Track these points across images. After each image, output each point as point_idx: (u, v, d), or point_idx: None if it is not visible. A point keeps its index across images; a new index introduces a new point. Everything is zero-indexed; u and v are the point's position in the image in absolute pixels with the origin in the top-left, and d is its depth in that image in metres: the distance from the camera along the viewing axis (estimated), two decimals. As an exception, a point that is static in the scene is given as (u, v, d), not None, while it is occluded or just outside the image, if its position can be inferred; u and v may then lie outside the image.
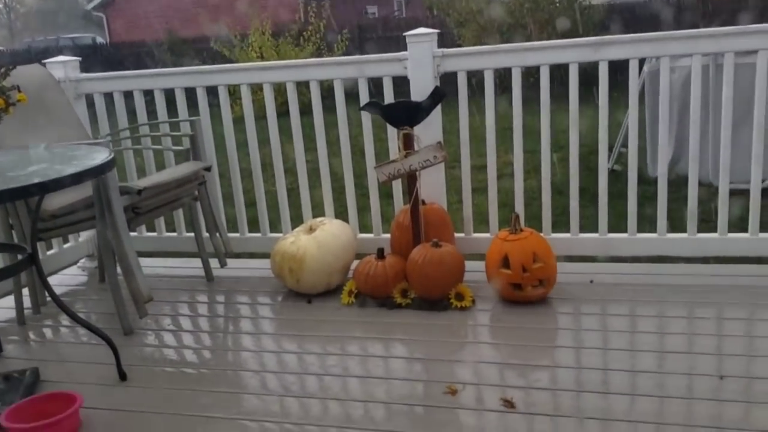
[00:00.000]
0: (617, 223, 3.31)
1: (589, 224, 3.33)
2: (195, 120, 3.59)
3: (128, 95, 3.80)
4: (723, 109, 3.10)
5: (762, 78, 3.01)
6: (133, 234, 3.65)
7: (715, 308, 2.89)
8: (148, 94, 3.80)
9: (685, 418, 2.13)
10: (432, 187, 3.37)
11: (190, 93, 3.71)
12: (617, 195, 3.29)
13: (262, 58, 12.37)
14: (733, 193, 3.18)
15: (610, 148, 5.42)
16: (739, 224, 3.19)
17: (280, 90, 5.45)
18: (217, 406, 2.41)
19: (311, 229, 3.35)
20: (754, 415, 2.11)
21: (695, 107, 3.13)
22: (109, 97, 3.83)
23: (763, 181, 3.21)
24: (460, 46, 12.13)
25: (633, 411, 2.20)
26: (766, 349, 2.52)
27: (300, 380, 2.55)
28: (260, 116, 3.61)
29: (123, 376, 2.64)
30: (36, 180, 2.19)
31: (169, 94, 3.75)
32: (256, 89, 3.85)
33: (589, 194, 3.30)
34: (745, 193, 3.15)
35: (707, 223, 3.19)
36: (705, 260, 3.31)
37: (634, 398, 2.26)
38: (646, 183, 3.22)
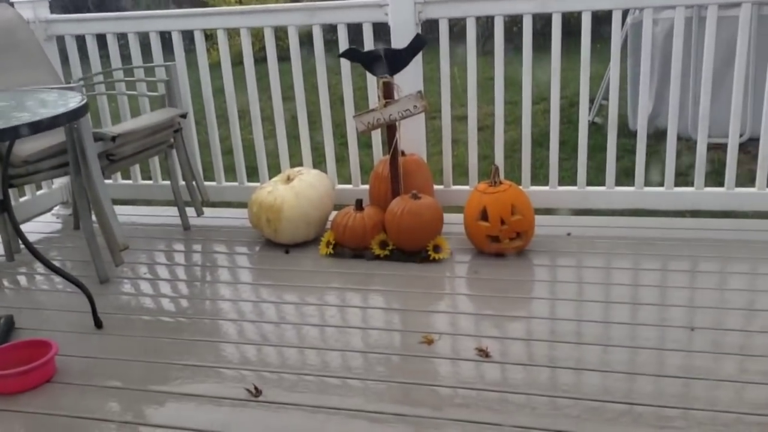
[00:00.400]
0: (597, 176, 3.32)
1: (569, 176, 3.33)
2: (170, 65, 3.51)
3: (101, 38, 3.70)
4: (704, 61, 3.09)
5: (744, 31, 3.00)
6: (107, 181, 3.60)
7: (689, 261, 2.93)
8: (123, 38, 3.70)
9: (656, 368, 2.17)
10: (412, 137, 3.34)
11: (166, 37, 3.62)
12: (597, 147, 3.29)
13: (240, 2, 12.08)
14: (711, 147, 3.19)
15: (592, 101, 5.41)
16: (716, 178, 3.21)
17: (258, 35, 5.33)
18: (194, 354, 2.41)
19: (289, 179, 3.32)
20: (722, 365, 2.16)
21: (677, 61, 3.11)
22: (81, 39, 3.73)
23: (740, 135, 3.22)
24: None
25: (605, 361, 2.23)
26: (736, 301, 2.57)
27: (277, 329, 2.55)
28: (238, 62, 3.53)
29: (99, 324, 2.63)
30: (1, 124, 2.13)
31: (144, 39, 3.65)
32: (234, 34, 3.76)
33: (569, 147, 3.30)
34: (723, 147, 3.16)
35: (685, 176, 3.20)
36: (681, 214, 3.34)
37: (606, 348, 2.30)
38: (627, 136, 3.23)
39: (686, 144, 3.16)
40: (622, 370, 2.17)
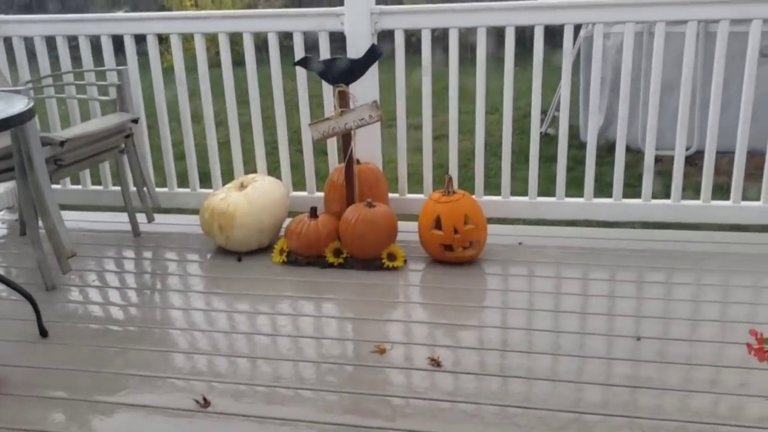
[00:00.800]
0: (551, 186, 3.36)
1: (522, 186, 3.37)
2: (122, 69, 3.45)
3: (51, 41, 3.62)
4: (652, 76, 3.17)
5: (690, 48, 3.09)
6: (55, 186, 3.52)
7: (636, 271, 2.99)
8: (73, 41, 3.63)
9: (604, 378, 2.22)
10: (367, 146, 3.35)
11: (118, 41, 3.56)
12: (550, 158, 3.33)
13: (196, 6, 11.94)
14: (660, 159, 3.27)
15: (545, 112, 5.50)
16: (664, 190, 3.28)
17: (214, 40, 5.28)
18: (144, 364, 2.37)
19: (242, 186, 3.29)
20: (668, 375, 2.21)
21: (626, 75, 3.19)
22: (30, 41, 3.64)
23: (687, 148, 3.30)
24: (403, 4, 11.98)
25: (555, 370, 2.26)
26: (681, 311, 2.63)
27: (229, 339, 2.53)
28: (192, 67, 3.49)
29: (44, 333, 2.56)
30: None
31: (96, 42, 3.59)
32: (189, 38, 3.72)
33: (523, 157, 3.34)
34: (671, 160, 3.24)
35: (634, 188, 3.27)
36: (630, 224, 3.41)
37: (556, 358, 2.33)
38: (579, 147, 3.28)
39: (636, 156, 3.22)
40: (571, 380, 2.20)
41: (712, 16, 3.18)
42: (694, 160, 3.98)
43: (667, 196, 3.28)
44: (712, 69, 3.11)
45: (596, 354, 2.35)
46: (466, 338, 2.49)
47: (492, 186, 3.44)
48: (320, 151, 3.55)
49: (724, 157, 3.24)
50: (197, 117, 3.60)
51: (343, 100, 3.09)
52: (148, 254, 3.38)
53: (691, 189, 3.28)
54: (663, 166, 3.23)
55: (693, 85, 3.17)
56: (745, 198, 3.21)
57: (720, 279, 2.89)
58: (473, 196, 3.19)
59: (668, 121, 3.25)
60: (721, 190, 3.20)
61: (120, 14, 3.60)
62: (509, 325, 2.59)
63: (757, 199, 3.20)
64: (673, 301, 2.74)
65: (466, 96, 3.30)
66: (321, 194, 3.42)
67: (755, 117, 3.11)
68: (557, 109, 4.92)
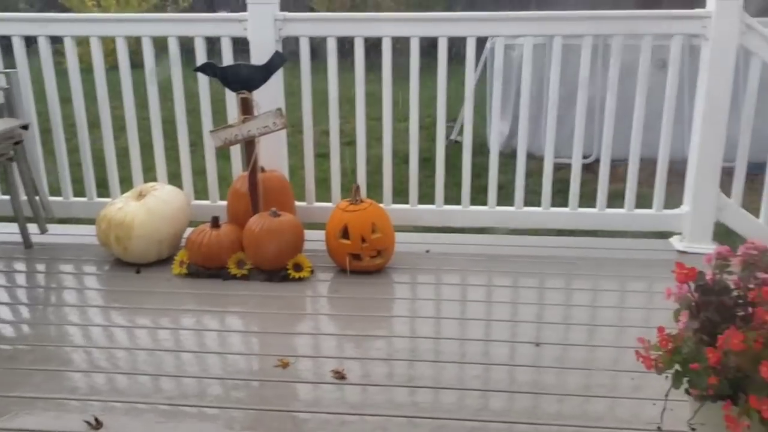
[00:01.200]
0: (459, 193, 3.41)
1: (432, 194, 3.41)
2: (11, 72, 3.27)
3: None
4: (550, 88, 3.27)
5: (586, 61, 3.20)
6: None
7: (538, 278, 3.07)
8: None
9: (508, 384, 2.26)
10: (272, 153, 3.30)
11: (6, 42, 3.36)
12: (459, 166, 3.38)
13: (99, 7, 11.48)
14: (563, 167, 3.37)
15: (455, 120, 5.57)
16: (564, 198, 3.38)
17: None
18: (33, 384, 2.24)
19: (141, 195, 3.18)
20: (568, 380, 2.28)
21: (526, 87, 3.27)
22: None
23: (588, 156, 3.42)
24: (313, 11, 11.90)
25: (461, 378, 2.29)
26: (580, 317, 2.72)
27: (130, 355, 2.42)
28: (89, 69, 3.34)
29: None
30: None
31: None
32: (84, 41, 3.56)
33: (432, 165, 3.38)
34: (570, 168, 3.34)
35: (539, 195, 3.36)
36: (534, 231, 3.51)
37: (462, 366, 2.36)
38: (488, 155, 3.34)
39: (541, 163, 3.31)
40: (478, 387, 2.23)
41: (606, 31, 3.32)
42: (595, 168, 4.13)
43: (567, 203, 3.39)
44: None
45: (500, 361, 2.39)
46: (375, 349, 2.49)
47: (402, 194, 3.46)
48: (224, 156, 3.46)
49: (621, 165, 3.37)
50: (93, 123, 3.45)
51: (245, 107, 3.04)
52: (41, 267, 3.21)
53: (592, 197, 3.39)
54: (567, 173, 3.33)
55: (592, 95, 3.29)
56: (639, 206, 3.35)
57: (616, 284, 3.01)
58: (381, 205, 3.20)
59: (571, 131, 3.36)
60: (621, 198, 3.33)
61: (8, 14, 3.39)
62: (417, 334, 2.61)
63: (650, 206, 3.34)
64: (572, 307, 2.83)
65: (377, 103, 3.31)
66: (224, 203, 3.34)
67: (651, 125, 3.25)
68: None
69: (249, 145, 3.08)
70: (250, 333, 2.63)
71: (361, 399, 2.18)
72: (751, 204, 3.26)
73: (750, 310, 1.62)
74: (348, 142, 3.38)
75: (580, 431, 2.00)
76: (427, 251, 3.31)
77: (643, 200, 3.34)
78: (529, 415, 2.08)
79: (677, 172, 3.31)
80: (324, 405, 2.14)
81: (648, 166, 3.30)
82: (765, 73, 3.06)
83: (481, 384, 2.26)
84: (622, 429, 2.00)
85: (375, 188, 3.46)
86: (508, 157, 3.35)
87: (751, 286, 1.65)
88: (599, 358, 2.41)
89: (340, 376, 2.27)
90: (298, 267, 3.00)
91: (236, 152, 3.41)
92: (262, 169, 3.20)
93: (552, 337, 2.53)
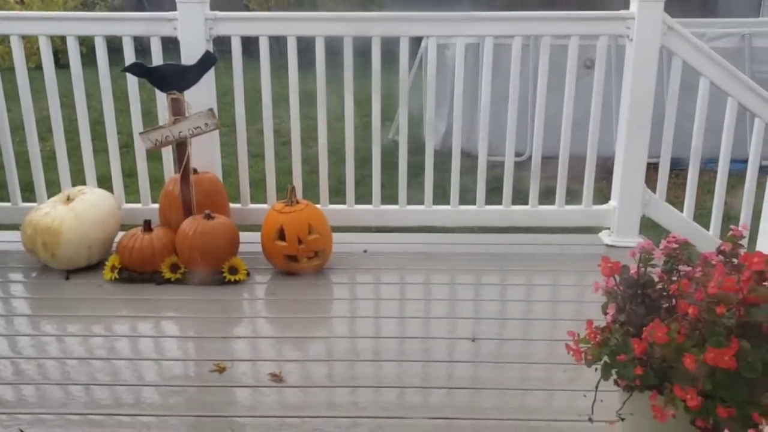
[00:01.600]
0: (396, 193, 3.42)
1: (370, 193, 3.41)
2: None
3: None
4: (482, 88, 3.32)
5: (516, 61, 3.27)
6: None
7: (474, 275, 3.12)
8: None
9: (447, 381, 2.28)
10: (205, 154, 3.25)
11: None
12: (396, 165, 3.39)
13: (22, 3, 11.03)
14: (496, 165, 3.42)
15: (393, 119, 5.59)
16: (499, 195, 3.43)
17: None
18: (-43, 401, 2.14)
19: (69, 199, 3.07)
20: (505, 374, 2.32)
21: (458, 86, 3.31)
22: None
23: (521, 155, 3.49)
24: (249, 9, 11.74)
25: (401, 376, 2.30)
26: (515, 312, 2.78)
27: (61, 365, 2.34)
28: (11, 69, 3.22)
29: None
30: None
31: None
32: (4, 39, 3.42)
33: (370, 164, 3.38)
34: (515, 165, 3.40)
35: (474, 193, 3.40)
36: (471, 229, 3.55)
37: (401, 364, 2.37)
38: (424, 154, 3.36)
39: (476, 162, 3.35)
40: (418, 385, 2.25)
41: (534, 32, 3.40)
42: (528, 166, 4.21)
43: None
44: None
45: (439, 358, 2.41)
46: (314, 350, 2.48)
47: (339, 193, 3.46)
48: (156, 157, 3.38)
49: (553, 162, 3.45)
50: (22, 124, 3.32)
51: (176, 107, 2.98)
52: (-40, 276, 3.07)
53: (527, 194, 3.45)
54: (503, 171, 3.38)
55: (525, 94, 3.36)
56: (570, 202, 3.44)
57: (549, 279, 3.09)
58: (318, 206, 3.19)
59: (505, 129, 3.41)
60: (553, 195, 3.40)
61: None
62: (357, 334, 2.61)
63: (580, 202, 3.43)
64: (507, 302, 2.88)
65: (313, 102, 3.29)
66: (156, 206, 3.27)
67: (582, 124, 3.34)
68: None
69: (181, 147, 3.02)
70: (186, 338, 2.58)
71: (302, 401, 2.17)
72: (676, 198, 3.39)
73: (673, 302, 1.68)
74: (284, 142, 3.36)
75: (517, 424, 2.04)
76: (365, 251, 3.31)
77: (575, 197, 3.42)
78: (469, 410, 2.11)
79: (607, 169, 3.41)
80: (263, 409, 2.12)
81: (579, 163, 3.38)
82: (686, 73, 3.18)
83: (421, 381, 2.27)
84: (557, 421, 2.05)
85: (312, 188, 3.44)
86: (445, 156, 3.39)
87: (674, 279, 1.70)
88: (534, 351, 2.47)
89: (277, 378, 2.25)
90: (233, 270, 2.96)
91: (168, 154, 3.34)
92: (195, 171, 3.15)
93: (489, 333, 2.57)
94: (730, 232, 1.76)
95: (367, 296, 2.96)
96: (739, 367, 1.45)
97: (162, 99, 3.14)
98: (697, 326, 1.53)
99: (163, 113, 3.17)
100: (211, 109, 2.99)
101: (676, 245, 1.78)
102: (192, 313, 2.74)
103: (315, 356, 2.43)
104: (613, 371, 1.67)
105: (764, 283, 1.53)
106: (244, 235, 3.09)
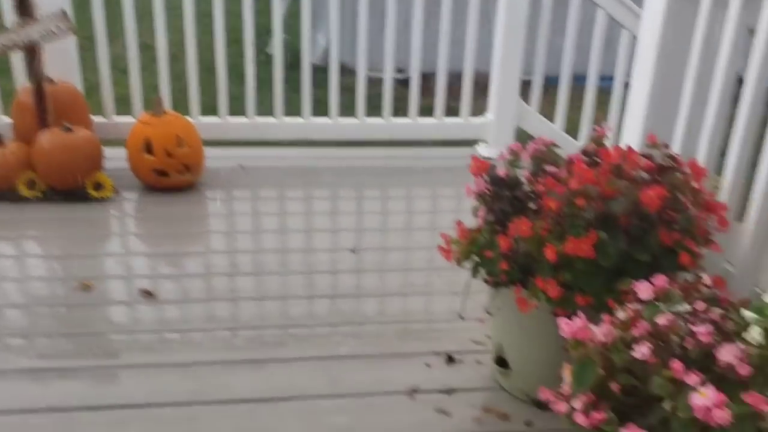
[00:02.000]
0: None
1: (245, 108, 3.27)
2: None
3: None
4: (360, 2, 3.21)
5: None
6: None
7: (355, 189, 3.08)
8: None
9: (331, 290, 2.27)
10: (62, 63, 2.97)
11: None
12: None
13: None
14: (377, 82, 3.35)
15: (269, 32, 5.30)
16: (380, 111, 3.38)
17: None
18: None
19: None
20: (386, 282, 2.34)
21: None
22: None
23: (401, 71, 3.43)
24: None
25: (285, 288, 2.27)
26: (395, 223, 2.79)
27: None
28: None
29: None
30: None
31: None
32: None
33: (244, 78, 3.22)
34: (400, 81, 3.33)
35: (354, 109, 3.34)
36: (349, 143, 3.49)
37: (284, 277, 2.33)
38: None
39: (357, 78, 3.27)
40: (302, 295, 2.23)
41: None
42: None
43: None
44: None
45: (322, 269, 2.39)
46: (191, 266, 2.39)
47: (211, 108, 3.28)
48: (4, 66, 3.06)
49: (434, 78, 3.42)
50: None
51: (24, 8, 2.69)
52: None
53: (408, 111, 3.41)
54: (382, 87, 3.32)
55: (405, 8, 3.28)
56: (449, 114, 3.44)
57: (428, 191, 3.11)
58: (187, 117, 3.02)
59: (381, 44, 3.33)
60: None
61: None
62: (236, 249, 2.52)
63: (459, 115, 3.45)
64: (389, 214, 2.88)
65: (180, 13, 3.06)
66: (9, 119, 2.98)
67: (461, 40, 3.31)
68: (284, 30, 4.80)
69: (31, 53, 2.75)
70: (52, 258, 2.40)
71: (179, 315, 2.09)
72: (549, 113, 3.46)
73: (540, 202, 1.71)
74: (153, 57, 3.12)
75: (399, 326, 2.06)
76: (242, 166, 3.19)
77: (455, 112, 3.43)
78: (353, 315, 2.11)
79: (485, 84, 3.43)
80: (140, 325, 2.03)
81: (459, 80, 3.37)
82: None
83: (304, 291, 2.25)
84: (435, 321, 2.11)
85: (183, 104, 3.24)
86: (325, 71, 3.28)
87: (541, 180, 1.73)
88: (414, 259, 2.49)
89: (149, 295, 2.15)
90: (98, 186, 2.77)
91: (19, 62, 3.02)
92: (51, 81, 2.88)
93: (371, 243, 2.57)
94: (595, 133, 1.80)
95: (245, 211, 2.87)
96: (596, 257, 1.50)
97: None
98: (559, 220, 1.57)
99: (10, 16, 2.85)
100: (63, 10, 2.72)
101: (543, 146, 1.81)
102: (56, 231, 2.56)
103: (192, 272, 2.34)
104: (482, 269, 1.70)
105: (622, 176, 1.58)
106: (109, 151, 2.89)
